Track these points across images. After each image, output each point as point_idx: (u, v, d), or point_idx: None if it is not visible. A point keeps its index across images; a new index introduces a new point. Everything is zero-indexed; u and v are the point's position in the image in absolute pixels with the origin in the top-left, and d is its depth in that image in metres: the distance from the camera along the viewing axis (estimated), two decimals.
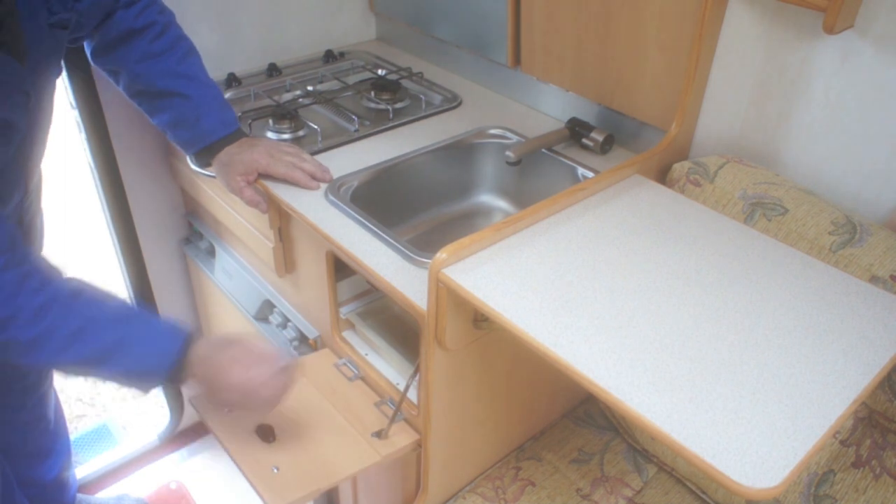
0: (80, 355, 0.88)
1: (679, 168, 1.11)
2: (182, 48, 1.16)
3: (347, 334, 1.21)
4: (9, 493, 1.28)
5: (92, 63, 1.16)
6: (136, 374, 0.92)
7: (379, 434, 1.07)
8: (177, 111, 1.15)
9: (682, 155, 1.20)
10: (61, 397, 1.51)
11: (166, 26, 1.15)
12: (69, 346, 0.87)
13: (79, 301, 0.88)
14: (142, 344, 0.91)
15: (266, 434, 1.04)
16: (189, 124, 1.16)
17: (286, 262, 1.26)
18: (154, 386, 0.95)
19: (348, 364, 1.18)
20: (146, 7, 1.13)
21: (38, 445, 1.44)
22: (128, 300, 1.01)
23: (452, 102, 1.46)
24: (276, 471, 1.00)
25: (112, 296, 0.92)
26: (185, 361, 0.93)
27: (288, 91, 1.50)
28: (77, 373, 0.93)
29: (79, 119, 1.40)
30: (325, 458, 1.03)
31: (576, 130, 1.28)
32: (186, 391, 1.85)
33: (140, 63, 1.13)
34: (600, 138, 1.25)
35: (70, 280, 0.90)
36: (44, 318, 0.85)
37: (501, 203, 1.42)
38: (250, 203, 1.17)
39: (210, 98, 1.17)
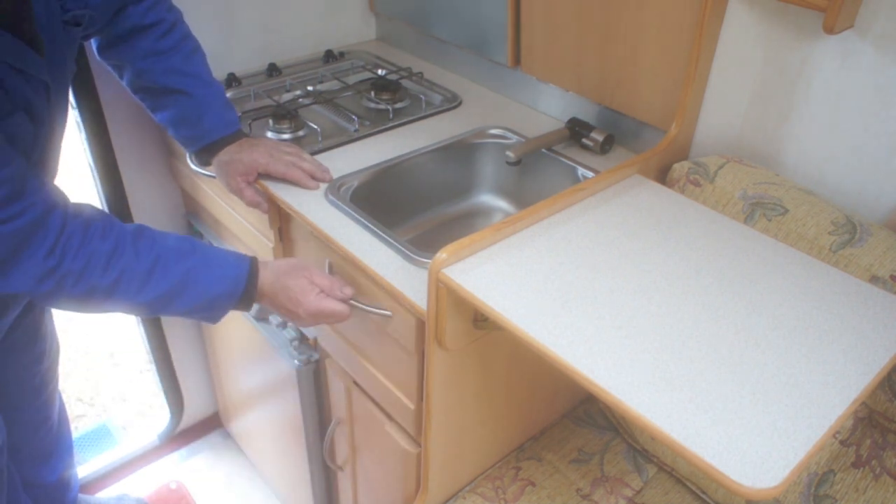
0: (156, 291, 0.93)
1: (679, 168, 1.11)
2: (188, 46, 1.16)
3: None
4: (14, 494, 1.28)
5: (97, 57, 1.16)
6: (209, 301, 0.97)
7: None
8: (179, 109, 1.16)
9: (682, 155, 1.20)
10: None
11: (174, 24, 1.15)
12: (144, 284, 0.92)
13: (143, 240, 0.93)
14: (211, 271, 0.96)
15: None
16: (191, 122, 1.16)
17: None
18: (226, 311, 0.99)
19: None
20: (156, 4, 1.13)
21: (43, 447, 1.44)
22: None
23: (452, 102, 1.46)
24: None
25: (169, 233, 0.97)
26: (255, 282, 0.99)
27: (288, 91, 1.50)
28: (154, 311, 0.97)
29: (79, 119, 1.40)
30: None
31: (576, 130, 1.28)
32: (185, 386, 1.85)
33: (145, 59, 1.13)
34: (600, 138, 1.25)
35: (126, 224, 0.94)
36: (117, 261, 0.90)
37: (501, 203, 1.42)
38: (250, 203, 1.17)
39: (213, 97, 1.17)
